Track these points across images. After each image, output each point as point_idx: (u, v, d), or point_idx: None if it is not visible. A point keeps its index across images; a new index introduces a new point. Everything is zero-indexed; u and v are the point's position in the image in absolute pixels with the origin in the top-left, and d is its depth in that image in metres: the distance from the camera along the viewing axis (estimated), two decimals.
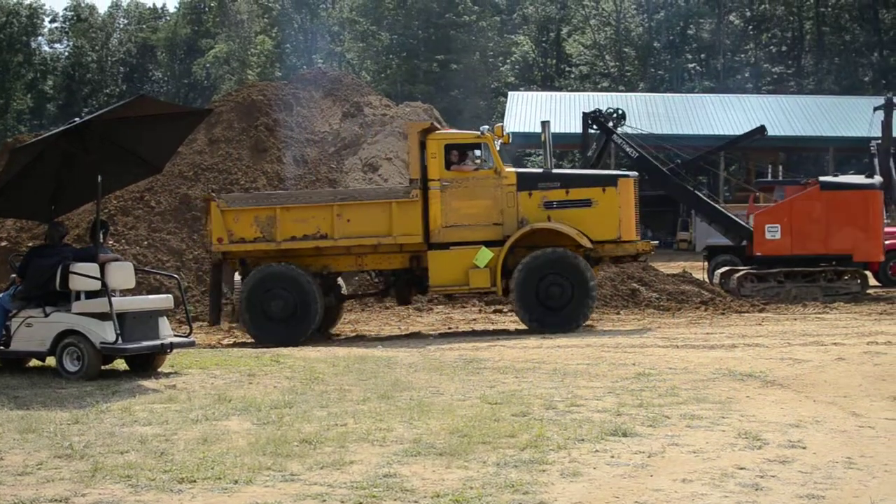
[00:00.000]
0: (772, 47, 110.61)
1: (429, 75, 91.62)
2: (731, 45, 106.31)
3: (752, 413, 14.35)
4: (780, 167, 56.38)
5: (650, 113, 70.65)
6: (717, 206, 39.81)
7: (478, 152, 27.24)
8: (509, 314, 29.54)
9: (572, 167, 62.57)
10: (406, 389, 16.46)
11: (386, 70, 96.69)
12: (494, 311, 30.33)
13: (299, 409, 14.72)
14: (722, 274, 37.16)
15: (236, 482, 10.56)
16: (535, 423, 13.35)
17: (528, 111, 74.16)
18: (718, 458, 11.57)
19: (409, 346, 23.14)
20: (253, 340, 26.41)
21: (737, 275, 35.34)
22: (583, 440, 12.40)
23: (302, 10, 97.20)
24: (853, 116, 69.28)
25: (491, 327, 27.52)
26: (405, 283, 27.80)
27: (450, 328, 28.44)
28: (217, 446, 12.25)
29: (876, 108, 51.66)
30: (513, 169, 27.79)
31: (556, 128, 69.53)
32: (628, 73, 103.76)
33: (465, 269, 26.32)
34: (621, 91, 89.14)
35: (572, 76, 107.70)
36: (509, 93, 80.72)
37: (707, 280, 37.97)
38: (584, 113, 42.35)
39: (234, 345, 26.21)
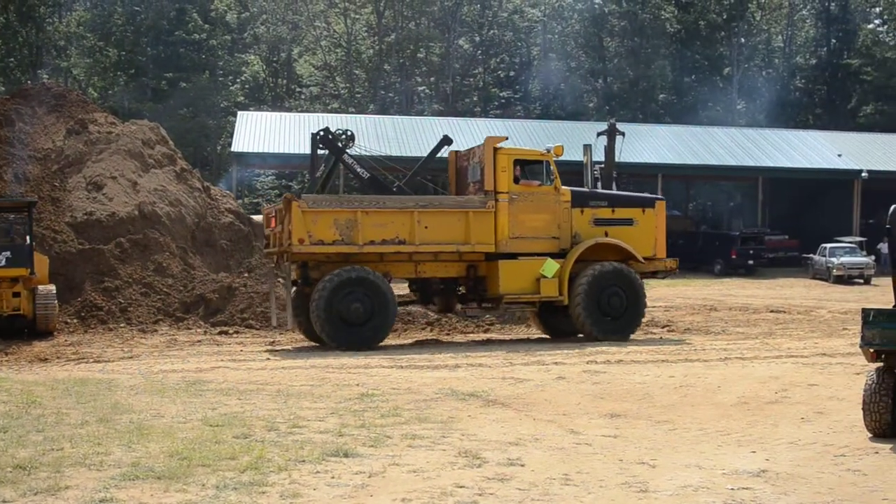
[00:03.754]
0: (500, 72, 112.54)
1: (157, 93, 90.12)
2: (460, 68, 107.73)
3: (473, 432, 14.55)
4: None
5: (379, 135, 70.91)
6: None
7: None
8: (234, 335, 29.28)
9: (301, 189, 62.38)
10: (126, 412, 16.14)
11: (113, 87, 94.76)
12: (220, 333, 30.00)
13: (14, 433, 14.28)
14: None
15: None
16: (257, 445, 13.27)
17: (257, 131, 73.56)
18: (438, 477, 11.68)
19: (131, 369, 22.66)
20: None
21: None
22: (304, 461, 12.37)
23: (27, 24, 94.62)
24: (578, 141, 70.88)
25: (216, 349, 27.20)
26: (452, 291, 29.27)
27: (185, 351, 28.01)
28: None
29: (599, 133, 53.11)
30: (568, 188, 29.85)
31: (285, 148, 69.97)
32: (358, 95, 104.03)
33: (534, 279, 28.37)
34: (351, 112, 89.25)
35: (303, 97, 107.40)
36: (238, 112, 79.82)
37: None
38: (312, 133, 42.19)
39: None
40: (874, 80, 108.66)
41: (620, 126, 51.26)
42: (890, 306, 15.19)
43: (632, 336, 29.20)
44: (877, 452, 13.46)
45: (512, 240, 28.54)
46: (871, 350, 14.42)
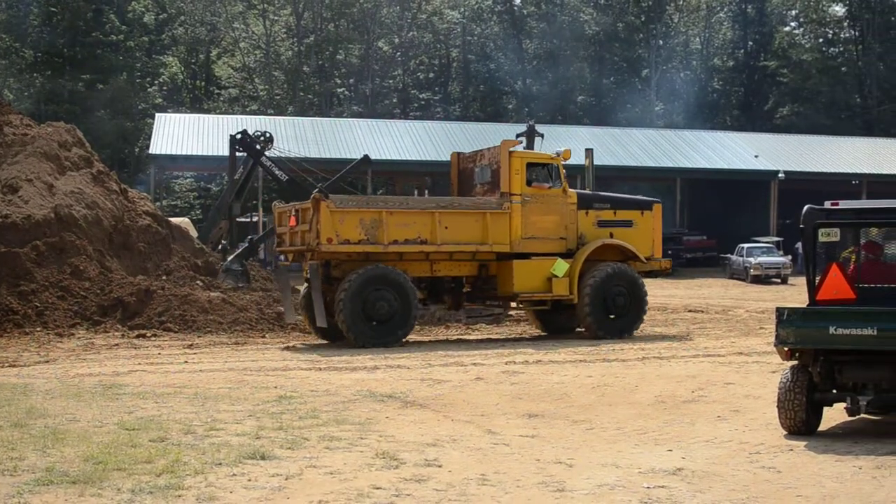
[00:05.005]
0: (420, 74, 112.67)
1: (74, 95, 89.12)
2: (379, 70, 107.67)
3: (390, 433, 14.54)
4: (427, 192, 57.34)
5: (299, 137, 70.73)
6: None
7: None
8: (152, 339, 29.01)
9: (220, 191, 62.07)
10: (41, 417, 15.93)
11: (29, 88, 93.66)
12: (138, 336, 29.71)
13: None
14: None
15: None
16: (173, 449, 13.17)
17: (175, 133, 73.08)
18: (355, 479, 11.67)
19: (47, 373, 22.39)
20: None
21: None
22: (220, 464, 12.29)
23: None
24: (497, 142, 70.85)
25: (134, 352, 26.93)
26: (460, 290, 30.17)
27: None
28: None
29: (518, 135, 53.20)
30: (574, 190, 31.12)
31: (204, 150, 69.53)
32: (277, 97, 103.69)
33: (545, 278, 29.41)
34: (270, 114, 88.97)
35: (221, 99, 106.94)
36: (157, 114, 79.29)
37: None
38: (231, 136, 42.05)
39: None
40: (790, 82, 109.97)
41: (539, 127, 51.30)
42: (805, 305, 15.38)
43: (635, 333, 30.32)
44: (791, 450, 13.61)
45: (524, 240, 29.56)
46: (786, 348, 14.59)
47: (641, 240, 31.17)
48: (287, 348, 27.69)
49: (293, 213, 29.47)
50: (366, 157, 45.55)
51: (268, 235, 55.07)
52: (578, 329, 31.06)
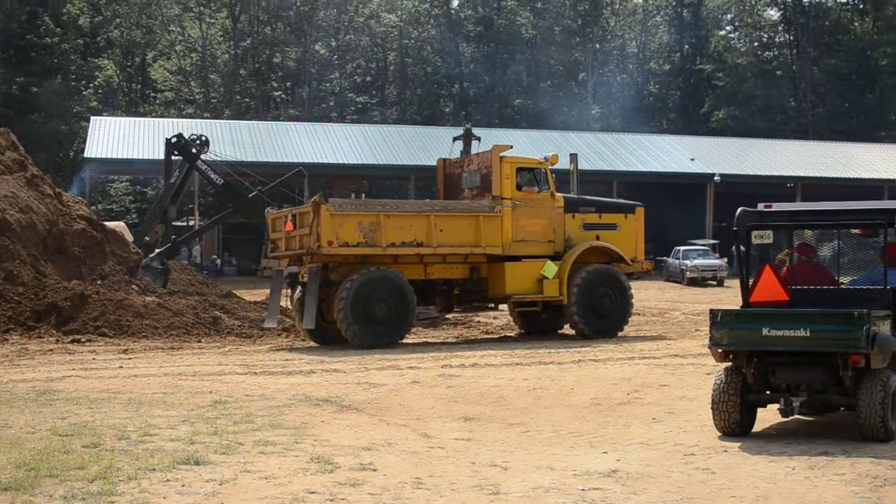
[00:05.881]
0: (357, 77, 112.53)
1: (8, 98, 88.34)
2: (316, 73, 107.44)
3: (326, 437, 14.50)
4: (364, 195, 57.36)
5: (235, 140, 70.47)
6: None
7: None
8: (87, 344, 28.78)
9: (156, 195, 61.68)
10: None
11: None
12: (72, 341, 29.45)
13: None
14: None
15: None
16: (106, 454, 13.04)
17: (111, 137, 72.62)
18: (290, 483, 11.61)
19: None
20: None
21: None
22: (154, 470, 12.19)
23: None
24: (434, 146, 71.14)
25: (68, 358, 26.68)
26: (452, 292, 30.59)
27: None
28: None
29: (455, 138, 53.23)
30: (561, 194, 31.64)
31: (140, 154, 69.13)
32: (214, 100, 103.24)
33: (535, 280, 30.14)
34: (206, 118, 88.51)
35: (157, 102, 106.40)
36: (92, 118, 78.73)
37: (290, 307, 38.12)
38: (166, 139, 41.81)
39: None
40: (726, 86, 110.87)
41: (476, 131, 51.22)
42: (738, 307, 15.48)
43: (619, 334, 31.04)
44: (725, 451, 13.67)
45: (515, 243, 30.27)
46: (720, 350, 14.66)
47: (625, 242, 31.95)
48: (223, 353, 27.54)
49: (289, 217, 29.96)
50: (300, 170, 45.55)
51: (193, 237, 55.02)
52: (561, 331, 32.28)
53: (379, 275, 28.29)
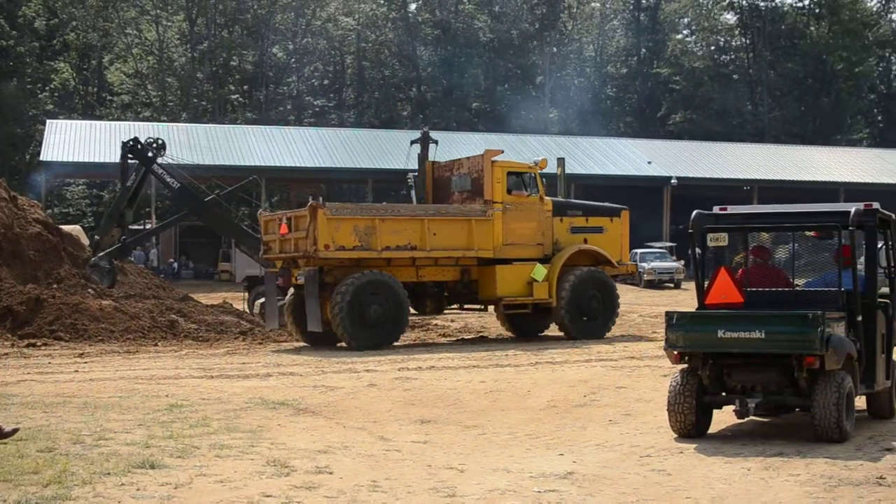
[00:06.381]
0: (314, 80, 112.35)
1: None
2: (273, 77, 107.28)
3: (282, 441, 14.46)
4: (321, 198, 57.23)
5: (192, 144, 70.19)
6: (257, 236, 39.98)
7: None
8: (43, 348, 28.59)
9: (112, 198, 61.33)
10: None
11: None
12: (28, 346, 29.27)
13: None
14: (262, 304, 37.24)
15: None
16: (61, 459, 12.95)
17: (67, 140, 72.20)
18: (246, 487, 11.57)
19: None
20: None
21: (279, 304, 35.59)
22: (109, 474, 12.10)
23: None
24: (391, 149, 71.08)
25: (23, 362, 26.52)
26: (442, 294, 31.08)
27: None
28: None
29: (413, 142, 53.19)
30: (549, 198, 32.21)
31: (96, 157, 68.75)
32: (171, 103, 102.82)
33: (525, 283, 30.56)
34: (163, 121, 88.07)
35: (114, 105, 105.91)
36: (48, 121, 78.33)
37: (247, 310, 38.08)
38: (122, 142, 41.65)
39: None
40: (683, 89, 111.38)
41: (434, 134, 51.26)
42: (694, 309, 15.54)
43: (607, 335, 31.42)
44: (681, 452, 13.72)
45: (505, 246, 30.64)
46: (675, 352, 14.70)
47: (612, 245, 32.55)
48: (180, 356, 27.41)
49: (284, 220, 30.09)
50: (254, 178, 45.64)
51: (144, 238, 54.72)
52: (543, 333, 32.87)
53: (374, 278, 28.57)
